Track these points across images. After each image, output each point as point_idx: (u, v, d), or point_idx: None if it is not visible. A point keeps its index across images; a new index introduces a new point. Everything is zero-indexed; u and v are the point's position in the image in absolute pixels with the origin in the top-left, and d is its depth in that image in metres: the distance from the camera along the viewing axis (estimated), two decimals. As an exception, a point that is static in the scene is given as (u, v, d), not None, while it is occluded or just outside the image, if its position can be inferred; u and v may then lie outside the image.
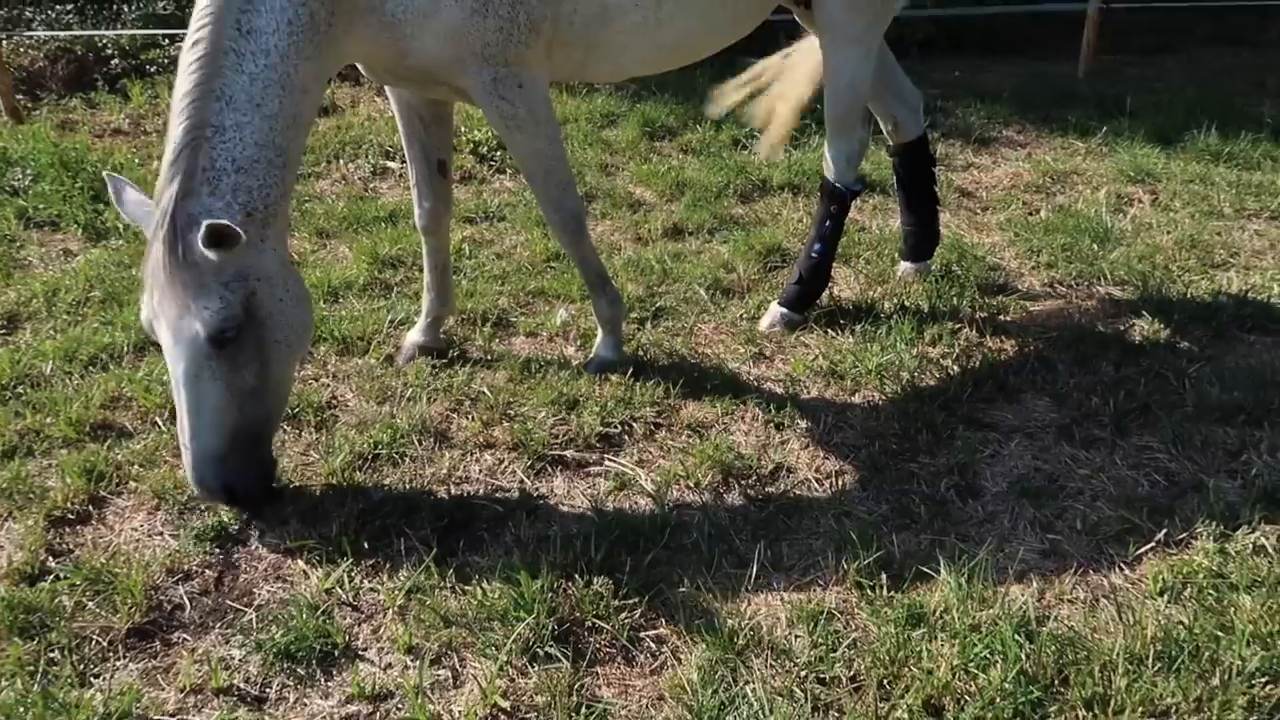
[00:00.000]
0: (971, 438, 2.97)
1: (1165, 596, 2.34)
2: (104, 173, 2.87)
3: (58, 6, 7.52)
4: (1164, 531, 2.56)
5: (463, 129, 5.70)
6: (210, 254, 2.34)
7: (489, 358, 3.49)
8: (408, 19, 2.71)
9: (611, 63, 3.20)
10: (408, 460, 2.91)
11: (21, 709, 2.05)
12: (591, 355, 3.42)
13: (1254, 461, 2.83)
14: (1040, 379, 3.30)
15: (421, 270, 3.98)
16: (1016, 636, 2.16)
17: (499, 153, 5.68)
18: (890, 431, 3.02)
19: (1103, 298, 3.89)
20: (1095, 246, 4.29)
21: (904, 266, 4.10)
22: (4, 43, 6.73)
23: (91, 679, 2.18)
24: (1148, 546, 2.53)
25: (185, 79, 2.45)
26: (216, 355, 2.41)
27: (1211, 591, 2.33)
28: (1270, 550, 2.45)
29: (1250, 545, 2.47)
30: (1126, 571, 2.45)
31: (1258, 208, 4.77)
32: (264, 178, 2.48)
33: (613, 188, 5.16)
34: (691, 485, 2.79)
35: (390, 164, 5.64)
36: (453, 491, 2.77)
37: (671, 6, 3.05)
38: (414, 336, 3.50)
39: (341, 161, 5.61)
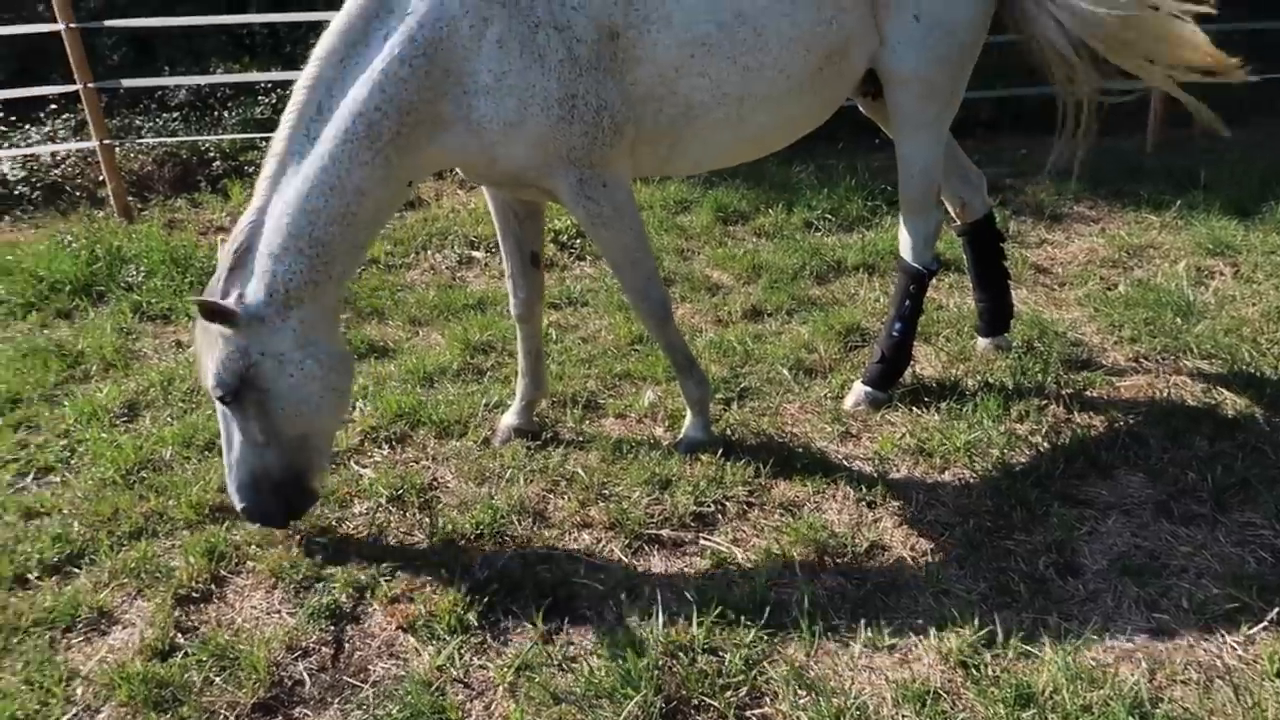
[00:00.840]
0: (1067, 514, 2.97)
1: (1283, 677, 2.30)
2: None
3: (164, 115, 8.07)
4: (1276, 610, 2.52)
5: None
6: (211, 326, 2.71)
7: (581, 439, 3.60)
8: (495, 128, 2.88)
9: (694, 157, 3.34)
10: (509, 539, 3.00)
11: (159, 780, 2.15)
12: (681, 435, 3.51)
13: (1364, 537, 2.77)
14: (1133, 454, 3.28)
15: (511, 355, 4.15)
16: (1130, 718, 2.14)
17: (579, 240, 5.90)
18: (983, 509, 3.03)
19: (1190, 372, 3.87)
20: (1178, 320, 4.28)
21: (981, 342, 4.15)
22: (117, 149, 7.22)
23: (221, 752, 2.28)
24: (1260, 626, 2.49)
25: (262, 170, 2.82)
26: (227, 408, 2.80)
27: (1331, 672, 2.29)
28: (1390, 629, 2.40)
29: (1368, 624, 2.42)
30: (1240, 651, 2.41)
31: (1346, 279, 4.71)
32: (291, 265, 2.74)
33: (690, 272, 5.31)
34: (787, 564, 2.83)
35: (475, 254, 5.88)
36: (554, 571, 2.85)
37: (753, 103, 3.19)
38: (509, 419, 3.63)
39: (429, 252, 5.87)
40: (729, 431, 3.57)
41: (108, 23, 7.09)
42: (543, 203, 3.54)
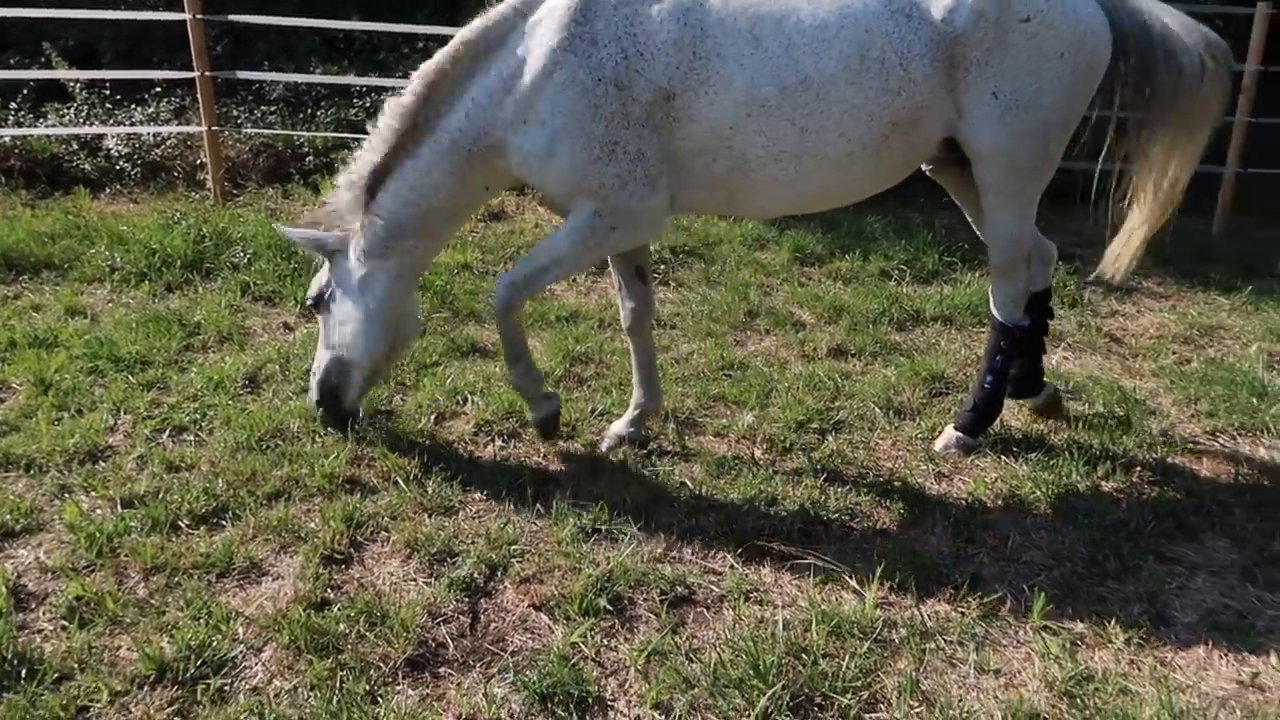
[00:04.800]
0: (1158, 569, 3.12)
1: (1373, 734, 2.44)
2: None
3: (263, 107, 8.38)
4: (1360, 675, 2.67)
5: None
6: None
7: (684, 452, 3.78)
8: (537, 157, 3.27)
9: (755, 206, 3.52)
10: (625, 537, 3.18)
11: (327, 717, 2.33)
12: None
13: None
14: (1218, 521, 3.43)
15: (609, 367, 4.35)
16: (1234, 754, 2.29)
17: (662, 266, 6.12)
18: (1077, 555, 3.19)
19: (1270, 448, 4.02)
20: (1254, 400, 4.44)
21: (1037, 400, 4.10)
22: (220, 137, 7.52)
23: (379, 698, 2.46)
24: (1346, 688, 2.64)
25: (382, 135, 3.49)
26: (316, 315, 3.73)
27: None
28: None
29: None
30: (1330, 708, 2.56)
31: None
32: (376, 229, 3.50)
33: (774, 306, 5.51)
34: (894, 586, 3.00)
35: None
36: (673, 569, 3.02)
37: (812, 164, 3.29)
38: (619, 427, 3.82)
39: (520, 263, 6.10)
40: (827, 460, 3.74)
41: (234, 17, 7.40)
42: None
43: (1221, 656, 2.77)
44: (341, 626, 2.67)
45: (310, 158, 8.05)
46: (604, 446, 3.78)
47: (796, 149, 3.25)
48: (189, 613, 2.70)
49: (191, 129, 7.74)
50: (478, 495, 3.41)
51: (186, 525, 3.13)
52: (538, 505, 3.34)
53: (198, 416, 3.86)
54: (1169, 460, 3.88)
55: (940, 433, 3.96)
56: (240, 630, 2.67)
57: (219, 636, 2.62)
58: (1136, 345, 5.28)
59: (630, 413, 3.82)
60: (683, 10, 3.20)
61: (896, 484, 3.61)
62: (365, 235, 3.51)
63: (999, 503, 3.53)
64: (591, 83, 3.15)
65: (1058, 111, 3.39)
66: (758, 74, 3.18)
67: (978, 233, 3.97)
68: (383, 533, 3.16)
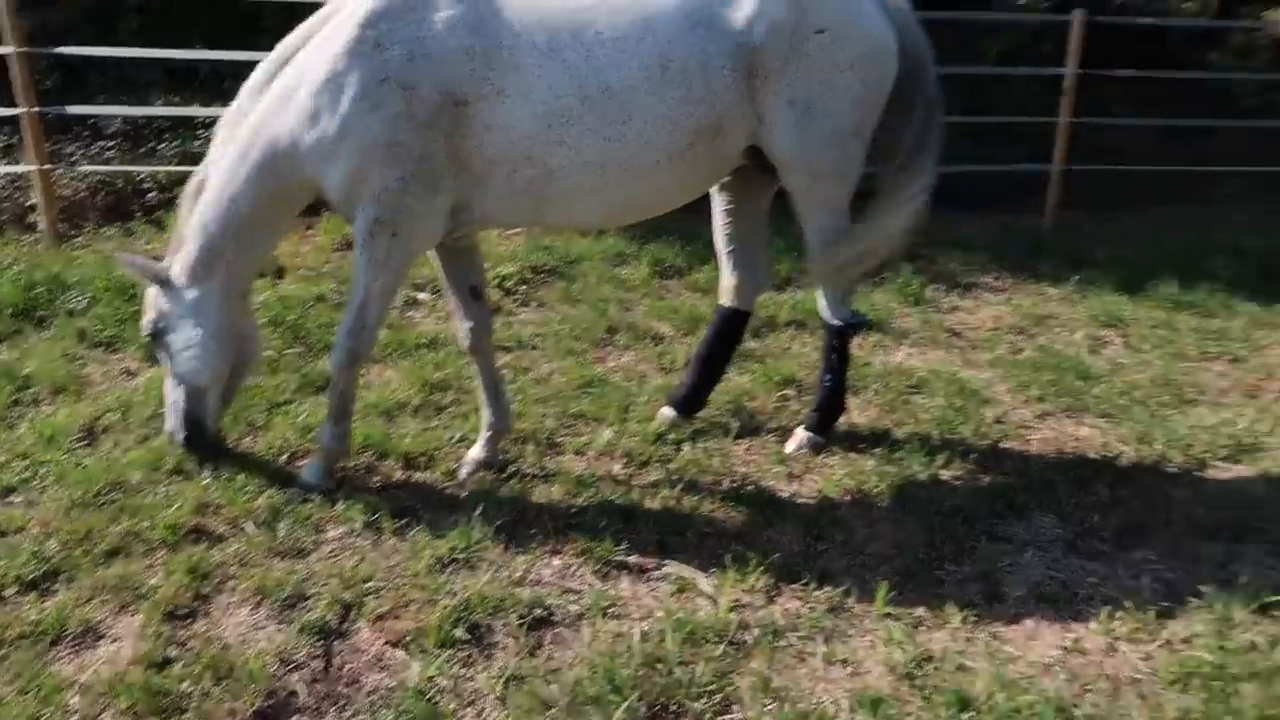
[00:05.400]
0: (991, 549, 3.32)
1: (1178, 686, 2.66)
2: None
3: (100, 143, 8.00)
4: (1168, 632, 2.90)
5: (487, 264, 6.16)
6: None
7: (543, 473, 3.81)
8: (321, 156, 3.26)
9: (563, 216, 3.55)
10: (484, 564, 3.18)
11: (169, 780, 2.25)
12: (303, 468, 3.67)
13: (1241, 571, 3.19)
14: (1044, 499, 3.67)
15: (468, 394, 4.34)
16: (1056, 717, 2.46)
17: (523, 286, 6.14)
18: (918, 542, 3.36)
19: (1091, 428, 4.32)
20: (1079, 382, 4.76)
21: (665, 412, 4.18)
22: (52, 176, 7.14)
23: (226, 755, 2.39)
24: (1156, 644, 2.86)
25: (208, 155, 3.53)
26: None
27: (1217, 682, 2.66)
28: (1262, 646, 2.79)
29: (1246, 642, 2.82)
30: (1142, 665, 2.77)
31: (1219, 351, 5.31)
32: (192, 249, 3.49)
33: (633, 322, 5.59)
34: (746, 589, 3.09)
35: (420, 295, 6.04)
36: (531, 591, 3.04)
37: (618, 173, 3.31)
38: (475, 452, 3.81)
39: (378, 292, 6.00)
40: (683, 470, 3.83)
41: (63, 50, 7.03)
42: (475, 238, 3.77)
43: (1048, 626, 2.97)
44: (185, 685, 2.59)
45: (153, 194, 7.70)
46: (463, 474, 3.76)
47: (601, 158, 3.29)
48: (16, 686, 2.56)
49: (20, 168, 7.32)
50: (332, 534, 3.35)
51: (14, 593, 2.96)
52: (394, 539, 3.30)
53: (28, 475, 3.67)
54: (1002, 445, 4.13)
55: (792, 434, 4.10)
56: (74, 700, 2.54)
57: (49, 709, 2.49)
58: (975, 338, 5.58)
59: (483, 435, 3.82)
60: (476, 20, 3.22)
61: (750, 488, 3.72)
62: (190, 256, 3.49)
63: (847, 498, 3.68)
64: (374, 83, 3.17)
65: (849, 120, 3.50)
66: (557, 84, 3.21)
67: (717, 244, 4.10)
68: (230, 582, 3.06)
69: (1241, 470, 3.96)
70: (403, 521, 3.41)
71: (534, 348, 5.23)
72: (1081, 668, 2.76)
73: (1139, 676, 2.72)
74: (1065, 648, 2.86)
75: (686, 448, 4.04)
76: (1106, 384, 4.78)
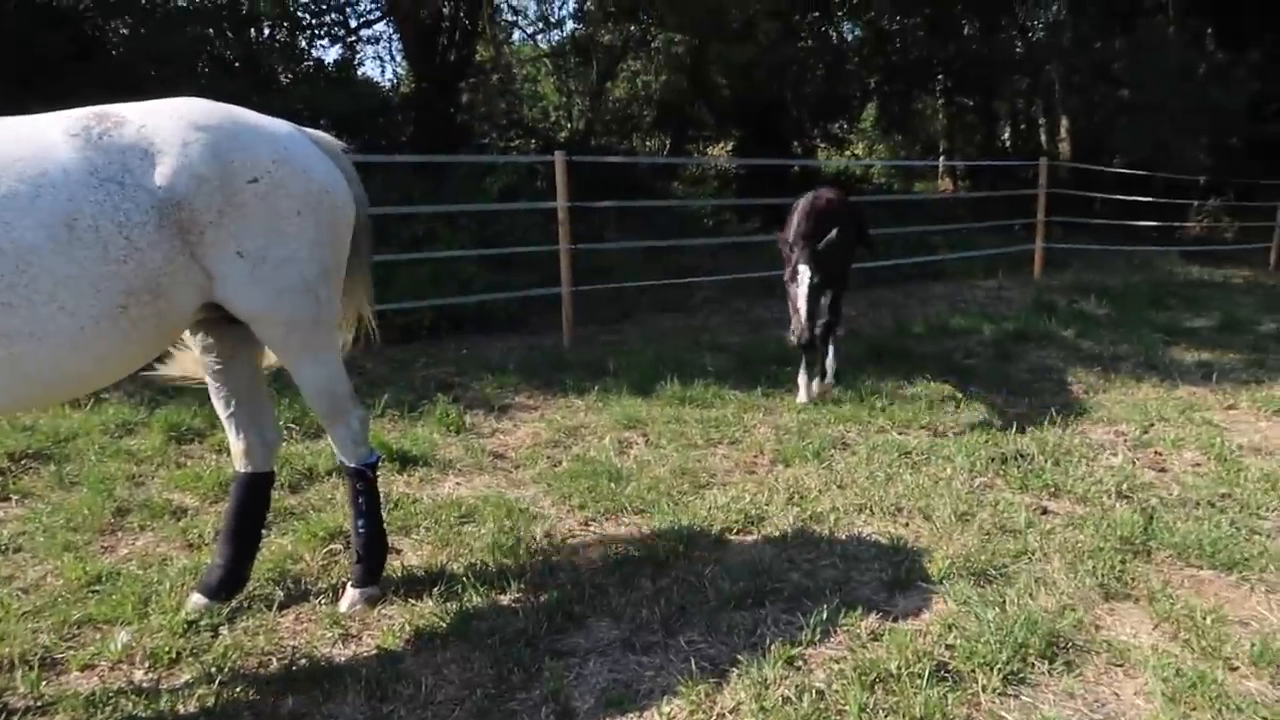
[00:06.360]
0: (556, 666, 3.36)
1: (733, 756, 2.87)
2: None
3: None
4: (718, 706, 3.15)
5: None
6: None
7: (40, 704, 3.13)
8: None
9: None
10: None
11: None
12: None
13: (766, 633, 3.59)
14: (598, 604, 3.83)
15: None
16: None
17: (2, 477, 5.15)
18: (487, 677, 3.30)
19: (630, 524, 4.65)
20: (613, 485, 5.12)
21: (196, 599, 3.77)
22: None
23: None
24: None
25: None
26: None
27: (763, 741, 2.92)
28: (793, 697, 3.14)
29: (780, 698, 3.14)
30: (702, 745, 2.96)
31: (719, 437, 6.06)
32: None
33: (147, 498, 4.94)
34: (309, 779, 2.78)
35: None
36: None
37: (29, 343, 2.89)
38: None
39: None
40: (222, 660, 3.39)
41: None
42: None
43: (617, 729, 3.06)
44: None
45: None
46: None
47: (2, 328, 2.84)
48: None
49: None
50: None
51: None
52: None
53: None
54: (554, 559, 4.26)
55: (344, 593, 3.85)
56: None
57: None
58: (517, 457, 5.78)
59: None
60: None
61: (303, 662, 3.40)
62: None
63: (409, 648, 3.52)
64: None
65: (313, 265, 3.38)
66: None
67: (217, 408, 3.84)
68: None
69: (752, 538, 4.50)
70: None
71: (18, 550, 4.37)
72: (653, 764, 2.88)
73: (701, 757, 2.90)
74: (635, 746, 2.96)
75: (225, 632, 3.59)
76: (636, 481, 5.19)
